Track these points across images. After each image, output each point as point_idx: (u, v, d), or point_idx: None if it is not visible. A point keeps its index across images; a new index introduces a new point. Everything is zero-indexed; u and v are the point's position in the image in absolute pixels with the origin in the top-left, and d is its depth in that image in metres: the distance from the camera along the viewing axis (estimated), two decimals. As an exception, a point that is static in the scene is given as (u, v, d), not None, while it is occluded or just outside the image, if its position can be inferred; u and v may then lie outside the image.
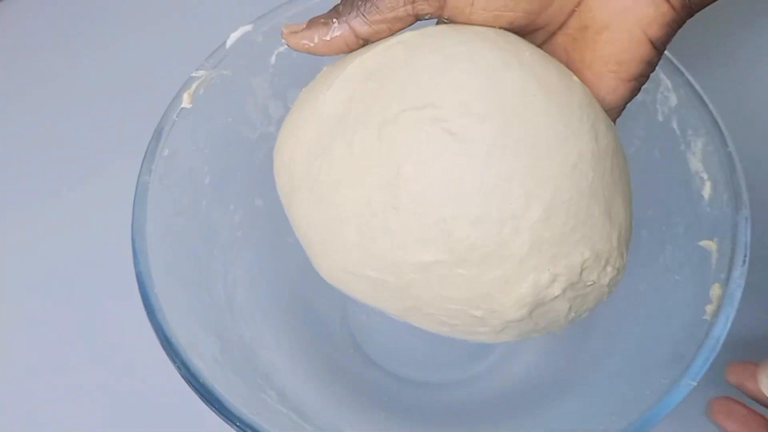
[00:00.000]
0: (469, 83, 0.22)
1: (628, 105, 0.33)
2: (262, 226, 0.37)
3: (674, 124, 0.31)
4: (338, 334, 0.38)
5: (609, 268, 0.23)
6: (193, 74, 0.31)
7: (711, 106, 0.28)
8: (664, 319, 0.28)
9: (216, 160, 0.33)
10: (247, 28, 0.33)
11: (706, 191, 0.29)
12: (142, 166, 0.29)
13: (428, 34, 0.24)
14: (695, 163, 0.29)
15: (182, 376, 0.25)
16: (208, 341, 0.28)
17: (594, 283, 0.23)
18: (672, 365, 0.25)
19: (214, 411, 0.24)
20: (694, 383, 0.23)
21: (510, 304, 0.23)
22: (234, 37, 0.32)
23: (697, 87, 0.29)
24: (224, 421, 0.24)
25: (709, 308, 0.25)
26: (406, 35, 0.24)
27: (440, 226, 0.22)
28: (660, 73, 0.31)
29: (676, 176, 0.31)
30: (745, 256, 0.25)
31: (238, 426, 0.24)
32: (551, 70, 0.23)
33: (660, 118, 0.31)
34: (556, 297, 0.23)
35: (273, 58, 0.34)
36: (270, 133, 0.36)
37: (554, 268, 0.22)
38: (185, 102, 0.31)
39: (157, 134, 0.30)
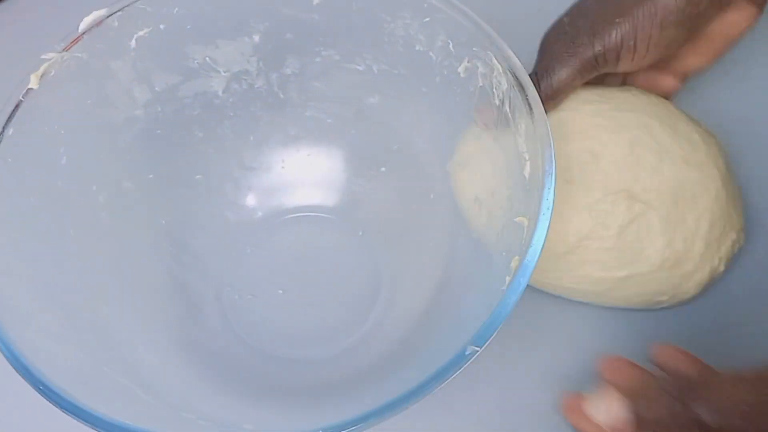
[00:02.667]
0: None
1: (474, 93, 0.34)
2: (132, 207, 0.38)
3: (507, 108, 0.32)
4: (210, 315, 0.39)
5: (741, 235, 0.37)
6: (43, 56, 0.32)
7: (528, 90, 0.30)
8: (480, 293, 0.30)
9: (74, 141, 0.34)
10: (101, 12, 0.33)
11: (527, 170, 0.30)
12: (-18, 146, 0.30)
13: None
14: (521, 144, 0.31)
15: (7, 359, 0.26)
16: (51, 318, 0.29)
17: (736, 250, 0.37)
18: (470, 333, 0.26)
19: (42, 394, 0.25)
20: (479, 349, 0.25)
21: (691, 288, 0.36)
22: (87, 21, 0.33)
23: (520, 71, 0.30)
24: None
25: (507, 279, 0.26)
26: None
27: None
28: (493, 58, 0.32)
29: (510, 157, 0.32)
30: (544, 228, 0.27)
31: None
32: (681, 141, 0.36)
33: (497, 102, 0.33)
34: (720, 272, 0.36)
35: (133, 42, 0.35)
36: (137, 117, 0.37)
37: (720, 254, 0.35)
38: (32, 83, 0.31)
39: (1, 114, 0.31)
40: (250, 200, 0.42)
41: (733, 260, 0.37)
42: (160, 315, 0.37)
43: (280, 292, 0.40)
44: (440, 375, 0.24)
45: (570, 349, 0.36)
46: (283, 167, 0.42)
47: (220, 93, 0.39)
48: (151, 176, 0.39)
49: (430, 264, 0.37)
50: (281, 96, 0.40)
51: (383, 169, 0.41)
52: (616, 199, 0.34)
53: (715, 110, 0.42)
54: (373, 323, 0.38)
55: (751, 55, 0.45)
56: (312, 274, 0.40)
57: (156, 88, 0.37)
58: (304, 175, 0.42)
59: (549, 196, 0.27)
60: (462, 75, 0.34)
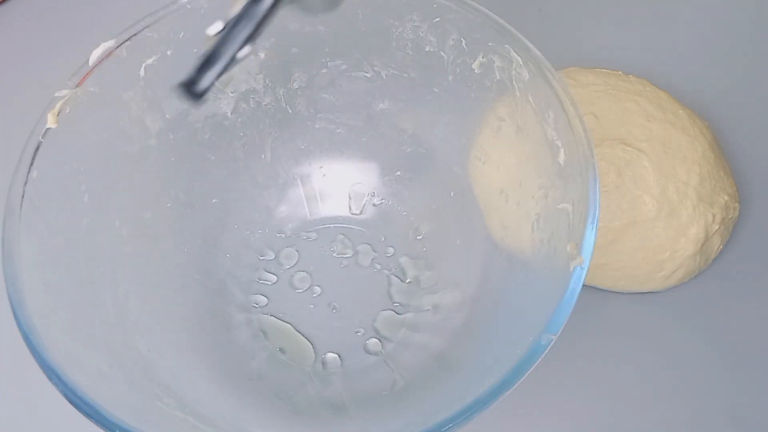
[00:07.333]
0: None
1: (491, 87, 0.34)
2: (155, 238, 0.37)
3: (530, 98, 0.32)
4: (244, 336, 0.38)
5: (735, 205, 0.39)
6: (57, 94, 0.31)
7: (553, 79, 0.30)
8: (537, 283, 0.30)
9: (94, 177, 0.33)
10: (109, 43, 0.33)
11: (561, 158, 0.30)
12: (10, 190, 0.29)
13: None
14: (550, 132, 0.31)
15: (60, 392, 0.25)
16: (93, 357, 0.28)
17: (731, 217, 0.38)
18: (539, 323, 0.26)
19: (94, 422, 0.24)
20: (555, 337, 0.25)
21: (690, 246, 0.37)
22: (96, 54, 0.32)
23: (541, 60, 0.31)
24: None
25: (561, 264, 0.26)
26: None
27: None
28: (511, 51, 0.32)
29: (538, 146, 0.32)
30: (594, 215, 0.27)
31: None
32: (667, 114, 0.39)
33: (518, 93, 0.33)
34: (715, 231, 0.37)
35: (142, 71, 0.34)
36: (151, 146, 0.36)
37: (713, 209, 0.37)
38: (50, 122, 0.31)
39: (23, 156, 0.30)
40: (268, 219, 0.41)
41: (730, 243, 0.39)
42: (197, 344, 0.36)
43: (311, 306, 0.39)
44: (519, 369, 0.24)
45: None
46: (297, 182, 0.42)
47: (229, 114, 0.39)
48: (169, 205, 0.38)
49: (463, 265, 0.37)
50: (290, 111, 0.40)
51: (398, 173, 0.41)
52: (613, 144, 0.37)
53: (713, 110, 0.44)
54: (405, 331, 0.38)
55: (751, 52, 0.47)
56: (339, 285, 0.40)
57: (167, 116, 0.36)
58: (319, 187, 0.42)
59: (596, 181, 0.28)
60: (477, 71, 0.34)
